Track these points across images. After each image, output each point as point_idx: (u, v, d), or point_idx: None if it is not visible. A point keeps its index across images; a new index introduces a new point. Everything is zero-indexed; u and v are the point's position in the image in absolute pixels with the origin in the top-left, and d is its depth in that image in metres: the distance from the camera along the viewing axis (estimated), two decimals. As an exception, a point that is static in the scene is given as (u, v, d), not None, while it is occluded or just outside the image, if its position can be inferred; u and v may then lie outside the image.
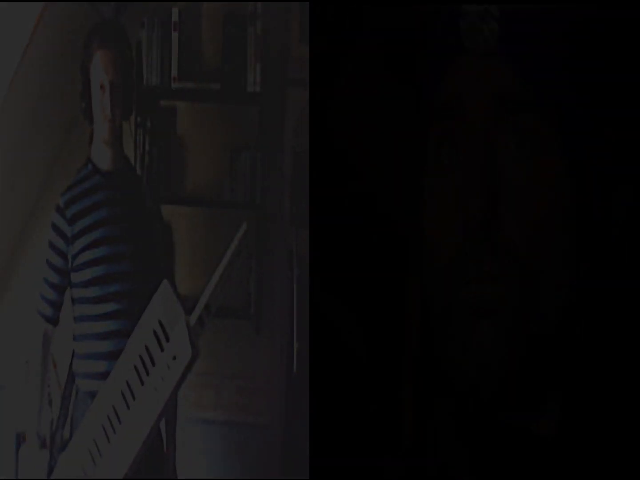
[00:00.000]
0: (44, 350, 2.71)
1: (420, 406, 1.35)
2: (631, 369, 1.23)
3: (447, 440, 1.27)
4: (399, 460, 1.32)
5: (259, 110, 3.49)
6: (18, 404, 3.56)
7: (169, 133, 3.57)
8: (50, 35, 3.26)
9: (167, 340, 2.39)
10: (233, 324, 3.54)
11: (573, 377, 1.22)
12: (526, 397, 1.20)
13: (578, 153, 1.21)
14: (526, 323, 1.18)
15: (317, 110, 1.49)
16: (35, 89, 3.36)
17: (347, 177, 1.47)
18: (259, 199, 3.48)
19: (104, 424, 2.45)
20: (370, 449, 1.39)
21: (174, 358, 2.37)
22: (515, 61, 1.18)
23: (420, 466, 1.29)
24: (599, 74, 1.21)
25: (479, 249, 1.17)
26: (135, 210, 2.74)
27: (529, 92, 1.18)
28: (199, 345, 2.41)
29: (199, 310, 2.44)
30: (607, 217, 1.24)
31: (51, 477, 2.66)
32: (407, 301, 1.38)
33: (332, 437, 1.42)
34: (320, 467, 1.39)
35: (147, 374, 2.41)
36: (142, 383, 2.41)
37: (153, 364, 2.40)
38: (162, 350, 2.39)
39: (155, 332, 2.40)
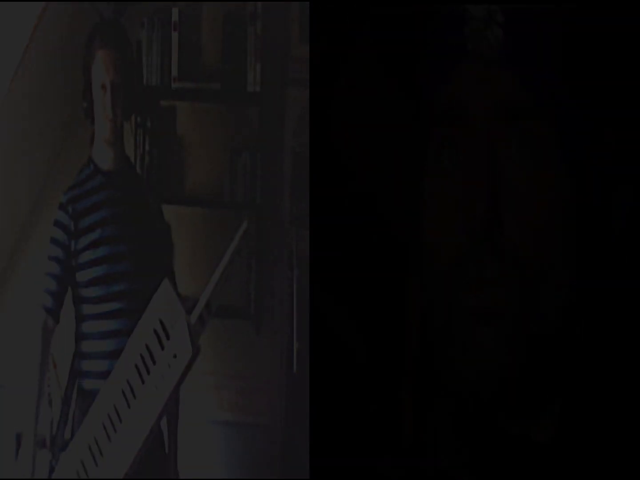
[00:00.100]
0: (43, 346, 2.69)
1: (420, 406, 1.35)
2: (631, 373, 1.23)
3: (447, 441, 1.27)
4: (399, 460, 1.33)
5: (259, 110, 3.49)
6: (18, 404, 3.56)
7: (169, 133, 3.57)
8: (50, 35, 3.26)
9: (168, 338, 2.39)
10: (233, 324, 3.54)
11: (573, 382, 1.22)
12: (525, 402, 1.20)
13: (578, 156, 1.21)
14: (527, 327, 1.18)
15: (317, 110, 1.49)
16: (35, 89, 3.36)
17: (347, 177, 1.47)
18: (259, 199, 3.48)
19: (105, 423, 2.45)
20: (370, 449, 1.39)
21: (175, 356, 2.38)
22: (518, 67, 1.18)
23: (420, 466, 1.29)
24: (600, 79, 1.21)
25: (480, 253, 1.17)
26: (136, 210, 2.75)
27: (531, 98, 1.18)
28: (200, 344, 2.42)
29: (199, 309, 2.44)
30: (607, 218, 1.24)
31: (52, 477, 2.66)
32: (407, 302, 1.38)
33: (332, 437, 1.42)
34: (320, 467, 1.39)
35: (148, 372, 2.41)
36: (142, 382, 2.41)
37: (154, 362, 2.40)
38: (163, 349, 2.40)
39: (155, 331, 2.41)
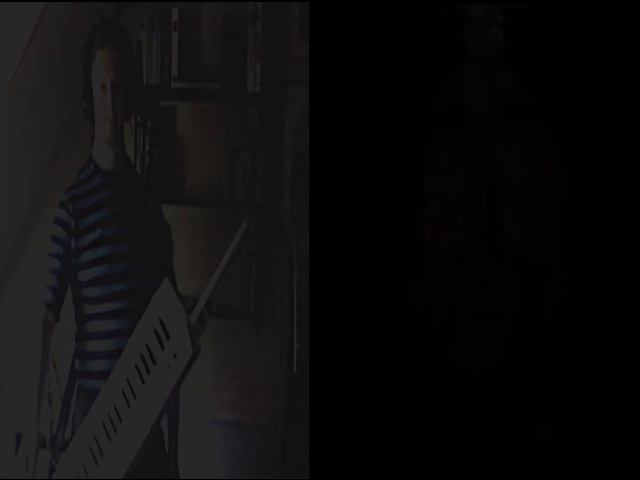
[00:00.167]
0: (43, 343, 2.68)
1: (420, 406, 1.35)
2: (631, 373, 1.23)
3: (447, 441, 1.27)
4: (399, 460, 1.33)
5: (259, 110, 3.49)
6: (18, 404, 3.56)
7: (169, 133, 3.57)
8: (51, 35, 3.26)
9: (168, 338, 2.39)
10: (233, 324, 3.54)
11: (573, 382, 1.22)
12: (525, 402, 1.20)
13: (578, 156, 1.21)
14: (527, 327, 1.18)
15: (317, 110, 1.49)
16: (35, 89, 3.36)
17: (347, 177, 1.47)
18: (259, 199, 3.47)
19: (105, 423, 2.46)
20: (370, 449, 1.39)
21: (175, 356, 2.38)
22: (518, 67, 1.18)
23: (420, 466, 1.29)
24: (600, 79, 1.21)
25: (480, 253, 1.17)
26: (136, 210, 2.75)
27: (531, 98, 1.18)
28: (200, 344, 2.42)
29: (199, 308, 2.44)
30: (606, 218, 1.24)
31: (52, 477, 2.66)
32: (407, 302, 1.38)
33: (332, 437, 1.42)
34: (320, 467, 1.39)
35: (148, 372, 2.41)
36: (142, 382, 2.41)
37: (154, 362, 2.40)
38: (163, 348, 2.40)
39: (155, 331, 2.41)
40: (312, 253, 1.48)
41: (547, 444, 1.21)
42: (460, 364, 1.19)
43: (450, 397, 1.26)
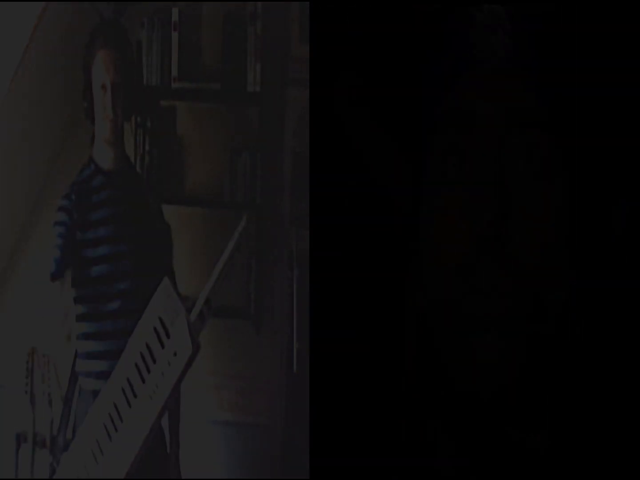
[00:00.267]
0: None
1: (419, 407, 1.35)
2: (631, 383, 1.23)
3: (446, 443, 1.27)
4: (398, 460, 1.33)
5: (259, 110, 3.49)
6: (18, 404, 3.56)
7: (169, 133, 3.57)
8: (51, 35, 3.26)
9: (168, 337, 2.39)
10: (233, 323, 3.54)
11: (572, 390, 1.22)
12: (524, 409, 1.20)
13: (580, 163, 1.21)
14: (528, 337, 1.18)
15: (317, 110, 1.49)
16: (35, 89, 3.36)
17: (347, 177, 1.47)
18: (259, 199, 3.48)
19: (106, 423, 2.46)
20: (370, 449, 1.39)
21: (175, 354, 2.38)
22: (524, 75, 1.18)
23: (420, 466, 1.29)
24: (607, 89, 1.21)
25: (486, 261, 1.17)
26: (137, 209, 2.75)
27: (538, 107, 1.18)
28: (200, 343, 2.42)
29: (199, 305, 2.45)
30: (607, 226, 1.24)
31: (54, 477, 2.67)
32: (407, 301, 1.38)
33: (332, 437, 1.42)
34: (320, 467, 1.39)
35: (149, 371, 2.41)
36: (143, 381, 2.41)
37: (154, 361, 2.40)
38: (163, 347, 2.40)
39: (155, 329, 2.41)
40: (312, 253, 1.48)
41: (544, 450, 1.21)
42: (461, 370, 1.19)
43: (449, 399, 1.26)
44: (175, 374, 2.38)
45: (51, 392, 3.54)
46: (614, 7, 1.24)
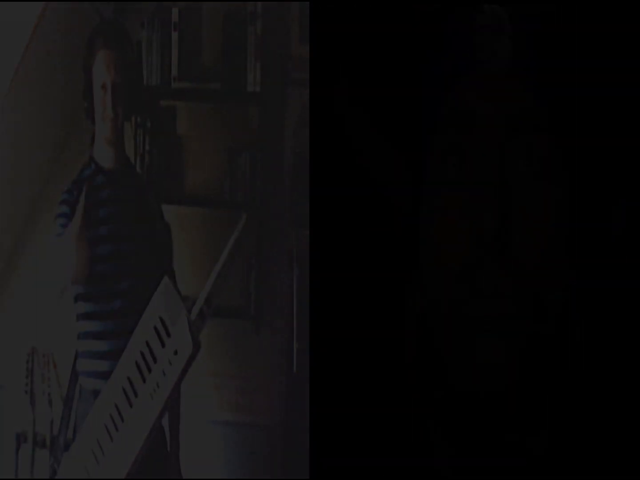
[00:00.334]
0: None
1: (420, 407, 1.35)
2: (631, 390, 1.23)
3: (446, 442, 1.27)
4: (398, 460, 1.32)
5: (259, 110, 3.49)
6: (18, 404, 3.56)
7: (169, 133, 3.57)
8: (51, 35, 3.26)
9: (169, 336, 2.39)
10: (233, 324, 3.54)
11: (571, 395, 1.22)
12: (523, 412, 1.20)
13: (580, 165, 1.21)
14: (529, 340, 1.18)
15: (317, 110, 1.49)
16: (35, 88, 3.36)
17: (347, 178, 1.47)
18: (259, 199, 3.47)
19: (107, 423, 2.45)
20: (370, 449, 1.39)
21: (175, 353, 2.38)
22: (526, 77, 1.18)
23: (420, 466, 1.29)
24: (607, 89, 1.21)
25: (488, 264, 1.17)
26: (137, 209, 2.75)
27: (538, 109, 1.18)
28: (200, 342, 2.41)
29: (199, 304, 2.45)
30: (610, 230, 1.24)
31: (55, 478, 2.67)
32: (406, 302, 1.38)
33: (332, 437, 1.42)
34: (320, 467, 1.39)
35: (149, 370, 2.41)
36: (144, 380, 2.41)
37: (155, 360, 2.40)
38: (164, 346, 2.40)
39: (156, 328, 2.41)
40: (312, 253, 1.48)
41: (543, 451, 1.22)
42: (463, 370, 1.19)
43: (449, 400, 1.26)
44: (176, 373, 2.38)
45: (51, 392, 3.54)
46: (613, 8, 1.24)
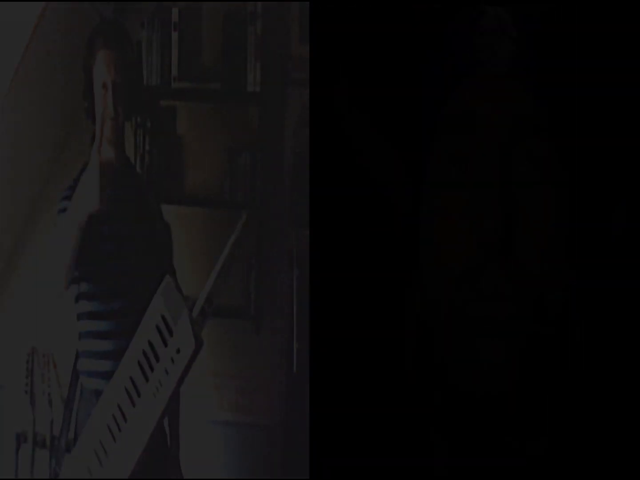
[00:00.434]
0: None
1: (419, 408, 1.35)
2: (632, 395, 1.23)
3: (445, 443, 1.27)
4: (398, 460, 1.33)
5: (259, 110, 3.49)
6: (18, 404, 3.56)
7: (169, 133, 3.57)
8: (51, 35, 3.26)
9: (171, 335, 2.39)
10: (233, 324, 3.54)
11: (571, 399, 1.22)
12: (522, 415, 1.20)
13: (581, 168, 1.21)
14: (534, 341, 1.18)
15: (317, 110, 1.49)
16: (35, 88, 3.37)
17: (347, 177, 1.47)
18: (259, 199, 3.47)
19: (110, 423, 2.45)
20: (370, 449, 1.39)
21: (178, 351, 2.37)
22: (528, 79, 1.18)
23: (419, 466, 1.29)
24: (609, 91, 1.22)
25: (491, 267, 1.17)
26: (137, 209, 2.75)
27: (540, 111, 1.18)
28: (202, 340, 2.41)
29: (201, 302, 2.44)
30: (610, 231, 1.24)
31: (58, 479, 2.66)
32: (406, 302, 1.38)
33: (332, 437, 1.42)
34: (320, 467, 1.39)
35: (152, 370, 2.41)
36: (146, 379, 2.41)
37: (157, 359, 2.40)
38: (166, 345, 2.40)
39: (158, 327, 2.40)
40: (312, 253, 1.48)
41: (541, 455, 1.22)
42: (465, 372, 1.19)
43: (449, 400, 1.26)
44: (179, 371, 2.38)
45: (51, 392, 3.54)
46: (614, 8, 1.24)
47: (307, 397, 1.55)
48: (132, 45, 2.78)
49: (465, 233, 1.19)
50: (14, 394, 3.63)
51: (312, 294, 1.50)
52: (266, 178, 3.50)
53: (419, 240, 1.27)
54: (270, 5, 3.45)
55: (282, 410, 3.59)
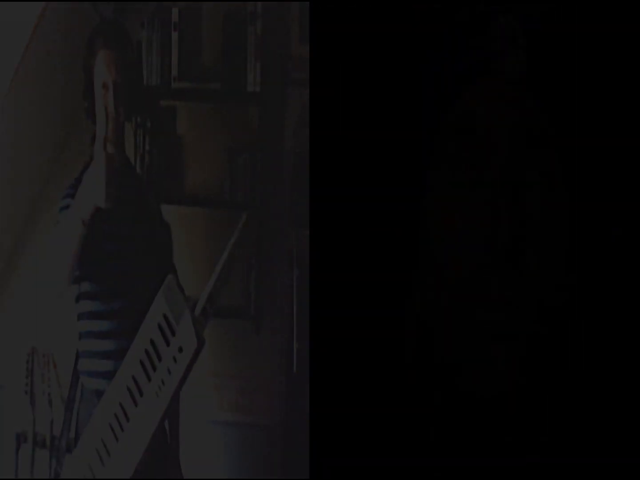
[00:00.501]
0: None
1: (419, 408, 1.35)
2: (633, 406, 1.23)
3: (445, 444, 1.27)
4: (398, 460, 1.33)
5: (259, 110, 3.49)
6: (18, 404, 3.56)
7: (169, 133, 3.57)
8: (51, 35, 3.26)
9: (173, 334, 2.39)
10: (233, 324, 3.54)
11: (575, 401, 1.23)
12: (525, 417, 1.20)
13: (586, 174, 1.22)
14: (539, 350, 1.18)
15: (317, 110, 1.49)
16: (35, 88, 3.37)
17: (347, 177, 1.47)
18: (259, 199, 3.48)
19: (112, 423, 2.45)
20: (370, 449, 1.39)
21: (180, 350, 2.38)
22: (540, 92, 1.19)
23: (420, 466, 1.29)
24: (618, 101, 1.22)
25: (500, 275, 1.17)
26: (137, 208, 2.75)
27: (549, 122, 1.19)
28: (204, 339, 2.41)
29: (202, 301, 2.45)
30: (610, 232, 1.24)
31: (60, 478, 2.66)
32: (407, 302, 1.38)
33: (331, 437, 1.42)
34: (320, 467, 1.39)
35: (154, 369, 2.41)
36: (149, 379, 2.41)
37: (159, 359, 2.40)
38: (168, 344, 2.40)
39: (160, 326, 2.41)
40: (312, 253, 1.48)
41: (540, 462, 1.22)
42: (470, 375, 1.20)
43: (449, 401, 1.26)
44: (181, 371, 2.38)
45: (51, 392, 3.54)
46: (622, 17, 1.24)
47: (307, 397, 1.55)
48: (132, 45, 2.78)
49: (472, 237, 1.20)
50: (14, 394, 3.63)
51: (312, 294, 1.50)
52: (266, 178, 3.50)
53: (418, 241, 1.27)
54: (270, 5, 3.45)
55: (282, 410, 3.59)
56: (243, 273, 3.48)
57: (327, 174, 1.48)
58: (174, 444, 2.78)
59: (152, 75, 3.49)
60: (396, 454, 1.34)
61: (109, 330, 2.66)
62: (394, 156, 1.42)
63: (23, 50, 3.19)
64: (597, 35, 1.23)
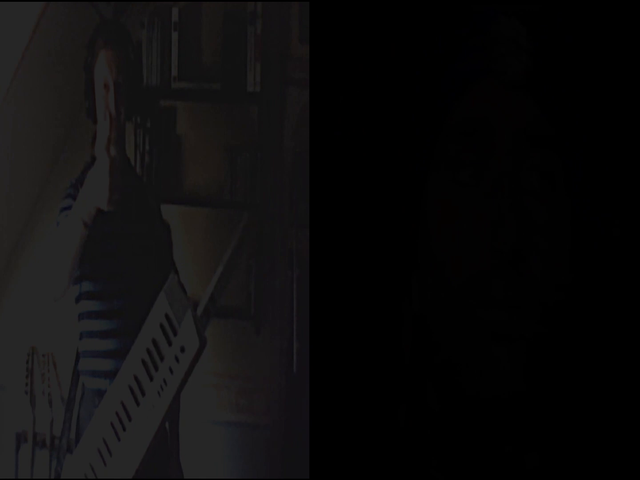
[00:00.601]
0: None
1: (419, 409, 1.35)
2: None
3: (445, 443, 1.27)
4: (398, 460, 1.33)
5: (259, 110, 3.49)
6: (18, 404, 3.56)
7: (169, 133, 3.57)
8: (51, 35, 3.26)
9: (175, 334, 2.39)
10: (233, 324, 3.54)
11: (577, 406, 1.22)
12: (527, 424, 1.20)
13: (585, 181, 1.22)
14: (541, 352, 1.18)
15: (317, 110, 1.49)
16: (35, 88, 3.37)
17: (347, 177, 1.47)
18: (259, 199, 3.48)
19: (114, 422, 2.45)
20: (370, 449, 1.39)
21: (182, 350, 2.38)
22: (539, 90, 1.19)
23: (420, 467, 1.29)
24: (621, 105, 1.22)
25: (501, 275, 1.17)
26: (137, 208, 2.75)
27: (550, 123, 1.18)
28: (206, 338, 2.42)
29: (204, 301, 2.45)
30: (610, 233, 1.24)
31: (61, 478, 2.67)
32: (407, 306, 1.38)
33: (332, 437, 1.42)
34: (320, 467, 1.39)
35: (156, 369, 2.41)
36: (151, 378, 2.41)
37: (162, 358, 2.40)
38: (170, 344, 2.40)
39: (162, 326, 2.41)
40: (312, 253, 1.48)
41: (538, 467, 1.22)
42: (471, 377, 1.20)
43: (449, 401, 1.26)
44: (183, 370, 2.38)
45: (51, 392, 3.54)
46: (628, 22, 1.24)
47: (307, 397, 1.55)
48: (133, 45, 2.78)
49: (473, 239, 1.19)
50: (14, 394, 3.63)
51: (312, 294, 1.50)
52: (266, 178, 3.50)
53: (418, 241, 1.27)
54: (270, 5, 3.45)
55: (282, 410, 3.59)
56: (243, 273, 3.48)
57: (327, 174, 1.47)
58: (174, 444, 2.78)
59: (152, 75, 3.49)
60: (396, 454, 1.34)
61: (110, 330, 2.66)
62: (394, 156, 1.42)
63: (23, 50, 3.19)
64: (599, 37, 1.22)
